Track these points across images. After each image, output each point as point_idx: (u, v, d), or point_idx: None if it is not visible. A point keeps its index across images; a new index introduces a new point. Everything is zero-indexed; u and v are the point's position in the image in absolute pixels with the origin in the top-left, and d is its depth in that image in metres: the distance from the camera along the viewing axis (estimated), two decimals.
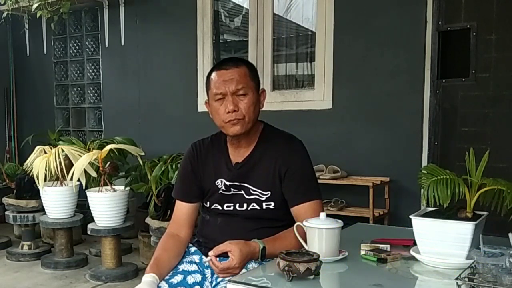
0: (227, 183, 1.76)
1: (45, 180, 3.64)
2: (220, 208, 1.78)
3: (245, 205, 1.74)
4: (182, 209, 1.83)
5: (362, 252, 1.56)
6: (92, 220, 3.58)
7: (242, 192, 1.75)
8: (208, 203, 1.82)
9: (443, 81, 3.28)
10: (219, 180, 1.77)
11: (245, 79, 1.71)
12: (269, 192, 1.72)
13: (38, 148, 3.84)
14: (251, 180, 1.74)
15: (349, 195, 3.70)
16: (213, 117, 1.76)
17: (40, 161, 3.62)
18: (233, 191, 1.76)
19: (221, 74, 1.71)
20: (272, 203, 1.73)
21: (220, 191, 1.77)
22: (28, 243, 4.12)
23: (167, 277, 1.66)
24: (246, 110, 1.69)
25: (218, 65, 1.76)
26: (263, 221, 1.74)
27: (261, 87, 1.80)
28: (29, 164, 3.77)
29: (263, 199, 1.73)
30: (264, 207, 1.73)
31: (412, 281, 1.44)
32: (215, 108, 1.73)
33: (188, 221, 1.82)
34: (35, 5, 4.42)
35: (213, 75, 1.74)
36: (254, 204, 1.73)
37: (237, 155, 1.78)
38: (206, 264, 1.67)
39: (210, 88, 1.74)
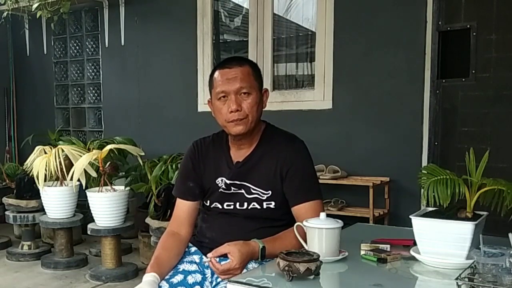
0: (228, 181, 1.76)
1: (45, 180, 3.64)
2: (220, 207, 1.78)
3: (245, 204, 1.74)
4: (183, 208, 1.83)
5: (362, 252, 1.56)
6: (92, 220, 3.58)
7: (243, 191, 1.74)
8: (208, 201, 1.81)
9: (443, 81, 3.28)
10: (219, 179, 1.77)
11: (249, 78, 1.71)
12: (270, 192, 1.72)
13: (38, 148, 3.84)
14: (252, 179, 1.74)
15: (349, 195, 3.71)
16: (216, 116, 1.76)
17: (40, 161, 3.62)
18: (234, 190, 1.75)
19: (225, 73, 1.71)
20: (273, 203, 1.73)
21: (221, 189, 1.77)
22: (28, 243, 4.12)
23: (167, 277, 1.66)
24: (249, 110, 1.69)
25: (222, 64, 1.76)
26: (263, 220, 1.74)
27: (263, 86, 1.80)
28: (29, 164, 3.77)
29: (264, 198, 1.73)
30: (265, 206, 1.73)
31: (412, 281, 1.44)
32: (218, 107, 1.72)
33: (188, 220, 1.82)
34: (35, 5, 4.42)
35: (217, 73, 1.73)
36: (255, 203, 1.73)
37: (238, 154, 1.78)
38: (206, 264, 1.67)
39: (213, 86, 1.74)
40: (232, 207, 1.76)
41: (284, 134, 1.82)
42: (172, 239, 1.78)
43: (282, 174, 1.72)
